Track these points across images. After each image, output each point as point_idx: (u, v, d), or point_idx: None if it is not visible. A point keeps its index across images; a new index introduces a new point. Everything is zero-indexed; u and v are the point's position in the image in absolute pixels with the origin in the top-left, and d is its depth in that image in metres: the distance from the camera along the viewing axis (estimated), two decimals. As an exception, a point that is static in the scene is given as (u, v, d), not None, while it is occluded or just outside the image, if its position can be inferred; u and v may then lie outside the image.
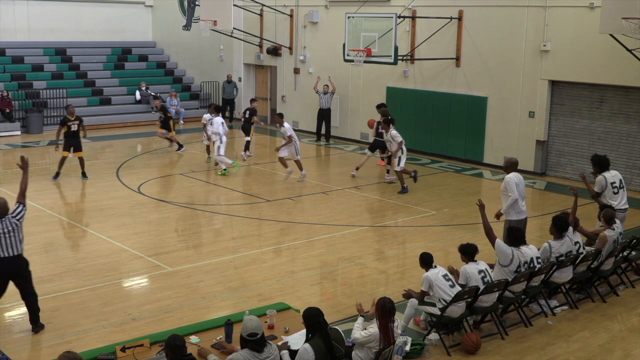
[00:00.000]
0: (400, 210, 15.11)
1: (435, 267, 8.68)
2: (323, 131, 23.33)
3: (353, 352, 7.28)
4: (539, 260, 9.42)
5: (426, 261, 8.72)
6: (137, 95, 26.75)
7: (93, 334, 8.84)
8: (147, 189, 16.37)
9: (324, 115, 22.99)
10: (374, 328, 7.20)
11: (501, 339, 8.88)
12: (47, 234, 13.05)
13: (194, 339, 7.30)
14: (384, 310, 7.12)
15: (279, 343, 7.02)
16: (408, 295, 8.83)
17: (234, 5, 22.38)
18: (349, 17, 19.58)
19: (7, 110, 23.60)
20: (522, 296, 9.45)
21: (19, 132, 23.44)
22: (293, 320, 7.79)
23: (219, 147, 17.88)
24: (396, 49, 18.69)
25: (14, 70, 26.05)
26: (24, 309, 9.76)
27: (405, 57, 20.64)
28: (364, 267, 11.63)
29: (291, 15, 24.79)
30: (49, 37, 27.91)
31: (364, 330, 7.27)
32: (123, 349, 7.00)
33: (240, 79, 27.20)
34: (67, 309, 9.62)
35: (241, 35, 25.68)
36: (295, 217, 14.51)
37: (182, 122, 26.31)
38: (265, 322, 7.48)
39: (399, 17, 18.98)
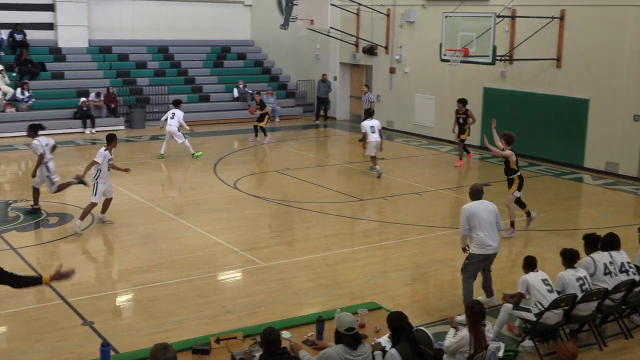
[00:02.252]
0: (495, 214, 14.80)
1: (537, 271, 8.51)
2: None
3: (444, 356, 7.20)
4: (631, 265, 9.08)
5: (530, 264, 8.59)
6: (235, 92, 27.30)
7: (188, 324, 9.08)
8: (243, 184, 16.68)
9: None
10: (464, 332, 7.10)
11: (599, 350, 8.58)
12: (146, 225, 13.50)
13: (285, 334, 7.38)
14: (474, 313, 7.02)
15: (372, 343, 7.02)
16: (505, 299, 8.68)
17: (331, 4, 22.51)
18: (446, 17, 19.36)
19: (113, 106, 24.58)
20: (623, 306, 9.11)
21: (122, 127, 24.35)
22: (384, 320, 7.75)
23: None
24: (494, 49, 18.36)
25: (119, 67, 27.08)
26: (124, 297, 10.19)
27: (503, 58, 20.21)
28: (457, 269, 11.40)
29: (388, 15, 24.72)
30: (152, 35, 28.87)
31: (454, 336, 7.19)
32: (217, 341, 7.16)
33: (335, 78, 27.32)
34: (165, 299, 9.93)
35: (337, 34, 25.79)
36: (388, 217, 14.47)
37: (278, 119, 26.68)
38: (357, 320, 7.48)
39: (498, 16, 18.62)
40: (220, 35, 30.50)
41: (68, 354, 8.26)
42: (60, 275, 6.83)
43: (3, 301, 9.62)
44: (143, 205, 14.82)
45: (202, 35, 29.94)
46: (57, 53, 26.65)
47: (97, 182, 12.87)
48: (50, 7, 26.78)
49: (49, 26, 26.93)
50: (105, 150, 12.93)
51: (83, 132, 23.40)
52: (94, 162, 12.87)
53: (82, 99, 23.94)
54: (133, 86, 26.15)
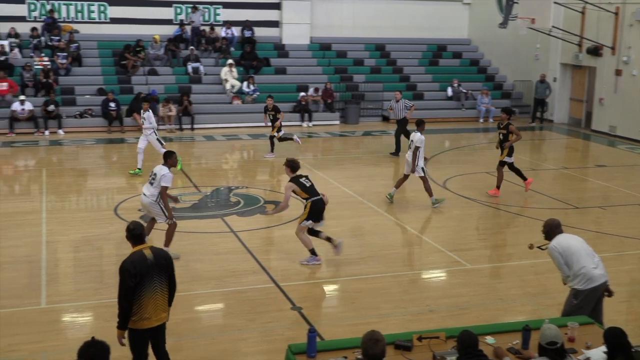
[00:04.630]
0: None
1: None
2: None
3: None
4: None
5: None
6: (449, 91, 27.13)
7: (392, 319, 9.22)
8: (453, 184, 16.56)
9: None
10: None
11: None
12: (356, 219, 13.86)
13: (489, 339, 7.24)
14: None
15: (580, 357, 6.71)
16: None
17: (554, 2, 21.62)
18: (685, 15, 17.88)
19: (329, 101, 25.47)
20: None
21: (337, 122, 25.16)
22: (596, 336, 7.35)
23: None
24: None
25: (338, 64, 27.97)
26: (332, 286, 10.56)
27: None
28: (681, 290, 10.60)
29: (616, 13, 23.24)
30: (370, 33, 29.47)
31: None
32: (420, 339, 7.17)
33: (555, 79, 26.20)
34: (370, 292, 10.15)
35: (559, 33, 24.71)
36: (604, 227, 13.67)
37: (491, 120, 26.13)
38: (566, 333, 7.17)
39: None
40: (436, 33, 30.42)
41: (277, 335, 8.72)
42: None
43: (223, 280, 10.40)
44: (353, 199, 15.23)
45: (418, 33, 30.06)
46: (281, 49, 28.10)
47: (160, 203, 10.87)
48: (276, 6, 28.30)
49: (275, 24, 28.47)
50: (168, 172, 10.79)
51: (301, 125, 24.48)
52: (165, 189, 10.74)
53: (302, 94, 25.05)
54: (350, 82, 26.89)
